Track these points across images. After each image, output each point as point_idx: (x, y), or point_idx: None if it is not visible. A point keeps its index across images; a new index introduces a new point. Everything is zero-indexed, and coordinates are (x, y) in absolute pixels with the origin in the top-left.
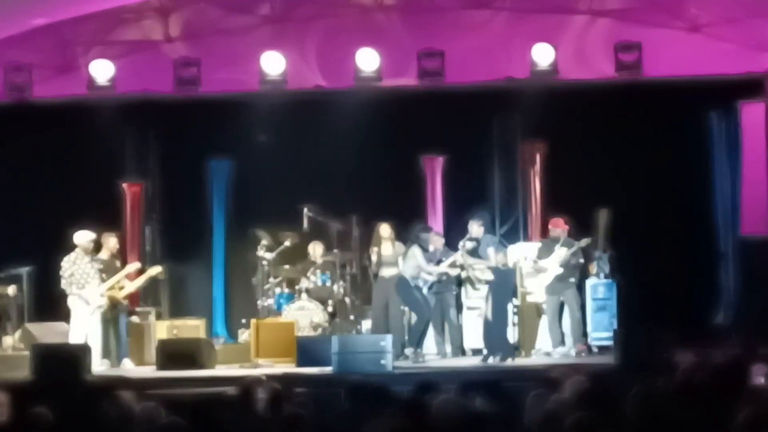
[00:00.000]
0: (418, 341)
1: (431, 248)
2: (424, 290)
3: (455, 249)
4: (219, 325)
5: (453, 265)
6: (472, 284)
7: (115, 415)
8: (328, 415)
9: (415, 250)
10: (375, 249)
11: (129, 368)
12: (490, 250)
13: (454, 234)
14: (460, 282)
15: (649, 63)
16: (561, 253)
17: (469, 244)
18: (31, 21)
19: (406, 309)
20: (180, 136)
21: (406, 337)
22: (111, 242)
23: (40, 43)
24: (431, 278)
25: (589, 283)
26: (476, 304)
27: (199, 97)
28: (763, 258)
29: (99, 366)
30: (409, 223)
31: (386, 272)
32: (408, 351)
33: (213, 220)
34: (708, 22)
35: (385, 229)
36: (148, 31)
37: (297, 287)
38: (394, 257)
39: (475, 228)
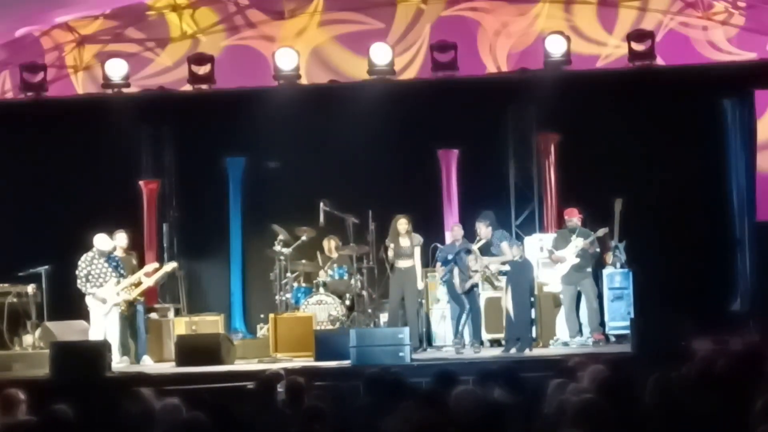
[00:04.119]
0: (459, 331)
1: (449, 240)
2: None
3: (471, 240)
4: (237, 320)
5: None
6: (492, 284)
7: (135, 411)
8: (347, 409)
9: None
10: (391, 241)
11: (148, 365)
12: (504, 245)
13: (469, 226)
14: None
15: (663, 51)
16: (577, 243)
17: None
18: (46, 20)
19: (423, 301)
20: (195, 133)
21: (423, 329)
22: (121, 239)
23: (55, 42)
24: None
25: (606, 272)
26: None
27: (213, 93)
28: None
29: (118, 363)
30: (424, 216)
31: (402, 264)
32: (455, 341)
33: (230, 216)
34: (721, 10)
35: (402, 224)
36: (163, 29)
37: (314, 281)
38: (410, 249)
39: (483, 229)
